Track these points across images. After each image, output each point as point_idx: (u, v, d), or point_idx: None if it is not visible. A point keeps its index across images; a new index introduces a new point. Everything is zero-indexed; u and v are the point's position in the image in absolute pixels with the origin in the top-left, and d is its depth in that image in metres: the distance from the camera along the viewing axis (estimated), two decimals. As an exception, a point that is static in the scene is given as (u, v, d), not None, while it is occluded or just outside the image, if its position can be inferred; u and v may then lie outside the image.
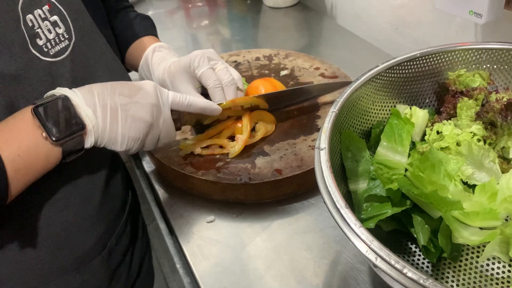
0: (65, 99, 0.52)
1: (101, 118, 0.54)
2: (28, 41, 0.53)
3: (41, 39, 0.55)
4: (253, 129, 0.77)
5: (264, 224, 0.67)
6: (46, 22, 0.55)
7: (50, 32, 0.56)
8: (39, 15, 0.55)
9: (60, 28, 0.57)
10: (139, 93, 0.57)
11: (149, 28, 0.88)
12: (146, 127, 0.57)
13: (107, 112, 0.54)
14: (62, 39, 0.57)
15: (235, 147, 0.72)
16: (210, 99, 0.73)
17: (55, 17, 0.56)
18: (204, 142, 0.74)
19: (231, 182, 0.68)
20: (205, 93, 0.76)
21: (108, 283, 0.70)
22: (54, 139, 0.50)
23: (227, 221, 0.68)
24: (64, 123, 0.50)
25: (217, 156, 0.73)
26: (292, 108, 0.83)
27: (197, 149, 0.73)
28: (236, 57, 0.99)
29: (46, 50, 0.55)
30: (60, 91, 0.53)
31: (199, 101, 0.65)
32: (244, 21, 1.33)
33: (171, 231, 0.73)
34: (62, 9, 0.58)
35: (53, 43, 0.56)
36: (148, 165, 0.82)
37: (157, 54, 0.82)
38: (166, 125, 0.61)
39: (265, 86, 0.80)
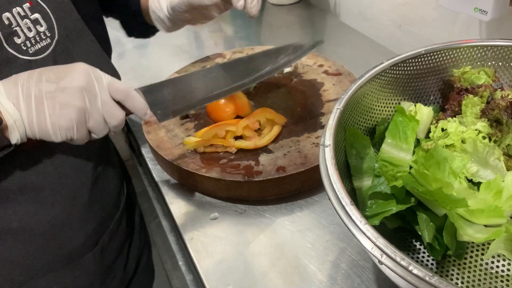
0: None
1: (25, 111, 0.50)
2: (3, 40, 0.52)
3: (19, 37, 0.53)
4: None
5: (268, 221, 0.67)
6: (26, 20, 0.54)
7: (30, 30, 0.54)
8: (18, 13, 0.54)
9: (41, 26, 0.56)
10: (67, 77, 0.52)
11: None
12: (76, 112, 0.51)
13: (32, 103, 0.50)
14: (44, 37, 0.56)
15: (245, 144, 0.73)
16: None
17: (36, 15, 0.55)
18: (208, 141, 0.74)
19: (235, 179, 0.67)
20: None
21: (102, 279, 0.70)
22: None
23: (231, 218, 0.68)
24: None
25: (221, 154, 0.73)
26: (296, 105, 0.83)
27: (200, 148, 0.73)
28: (239, 54, 0.99)
29: (24, 48, 0.54)
30: None
31: (138, 99, 0.57)
32: (247, 18, 1.32)
33: (174, 228, 0.73)
34: (45, 6, 0.56)
35: (33, 41, 0.55)
36: (151, 162, 0.81)
37: None
38: (107, 108, 0.54)
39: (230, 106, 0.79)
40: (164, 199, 0.74)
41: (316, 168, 0.68)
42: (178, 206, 0.72)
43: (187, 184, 0.74)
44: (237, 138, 0.75)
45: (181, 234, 0.67)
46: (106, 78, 0.55)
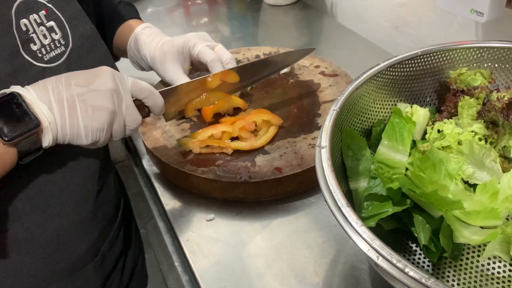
0: (16, 96, 0.48)
1: (59, 114, 0.50)
2: (20, 46, 0.52)
3: (35, 44, 0.54)
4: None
5: (264, 223, 0.67)
6: (42, 27, 0.54)
7: (45, 37, 0.55)
8: (35, 20, 0.54)
9: (56, 34, 0.56)
10: (96, 80, 0.53)
11: (134, 12, 0.88)
12: (108, 115, 0.53)
13: (64, 106, 0.50)
14: (58, 45, 0.56)
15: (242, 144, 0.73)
16: None
17: (51, 23, 0.55)
18: (204, 142, 0.74)
19: (231, 181, 0.67)
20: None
21: None
22: (6, 139, 0.46)
23: (227, 220, 0.68)
24: (15, 122, 0.47)
25: (217, 155, 0.73)
26: (292, 106, 0.83)
27: (196, 149, 0.73)
28: (236, 55, 0.98)
29: (40, 55, 0.54)
30: (12, 89, 0.49)
31: (159, 96, 0.61)
32: (243, 19, 1.33)
33: (170, 229, 0.72)
34: (60, 15, 0.57)
35: (48, 48, 0.55)
36: (147, 163, 0.81)
37: (146, 32, 0.83)
38: (130, 111, 0.56)
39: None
40: (160, 200, 0.74)
41: (313, 170, 0.68)
42: (174, 207, 0.71)
43: (183, 185, 0.73)
44: (233, 139, 0.74)
45: (177, 235, 0.67)
46: (128, 80, 0.57)
